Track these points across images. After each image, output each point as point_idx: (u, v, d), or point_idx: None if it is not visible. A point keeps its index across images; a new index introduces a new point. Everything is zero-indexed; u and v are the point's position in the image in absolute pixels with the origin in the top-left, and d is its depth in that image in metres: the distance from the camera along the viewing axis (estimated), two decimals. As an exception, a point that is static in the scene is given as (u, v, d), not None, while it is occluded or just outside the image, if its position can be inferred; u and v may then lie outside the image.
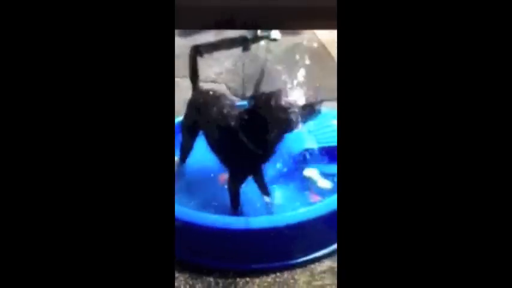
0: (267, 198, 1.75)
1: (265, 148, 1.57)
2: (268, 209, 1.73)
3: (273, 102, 1.47)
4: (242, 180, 1.67)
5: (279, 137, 1.56)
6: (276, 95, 1.49)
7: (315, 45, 3.37)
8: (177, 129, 1.86)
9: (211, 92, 1.79)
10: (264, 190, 1.75)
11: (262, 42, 3.65)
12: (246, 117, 1.54)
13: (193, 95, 1.84)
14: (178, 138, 1.87)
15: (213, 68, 3.20)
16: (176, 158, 1.90)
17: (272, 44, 3.65)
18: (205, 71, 3.11)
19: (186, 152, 1.88)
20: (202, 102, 1.75)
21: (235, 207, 1.68)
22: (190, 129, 1.82)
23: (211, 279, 1.56)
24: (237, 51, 3.27)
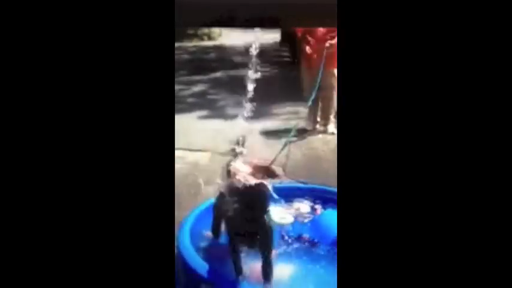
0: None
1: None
2: None
3: None
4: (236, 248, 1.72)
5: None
6: None
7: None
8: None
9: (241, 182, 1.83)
10: (265, 274, 1.71)
11: (320, 135, 3.92)
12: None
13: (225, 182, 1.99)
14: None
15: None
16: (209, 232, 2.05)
17: (329, 137, 3.89)
18: (265, 153, 3.38)
19: (216, 229, 2.02)
20: (229, 190, 1.84)
21: (237, 273, 1.71)
22: (216, 211, 1.99)
23: None
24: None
